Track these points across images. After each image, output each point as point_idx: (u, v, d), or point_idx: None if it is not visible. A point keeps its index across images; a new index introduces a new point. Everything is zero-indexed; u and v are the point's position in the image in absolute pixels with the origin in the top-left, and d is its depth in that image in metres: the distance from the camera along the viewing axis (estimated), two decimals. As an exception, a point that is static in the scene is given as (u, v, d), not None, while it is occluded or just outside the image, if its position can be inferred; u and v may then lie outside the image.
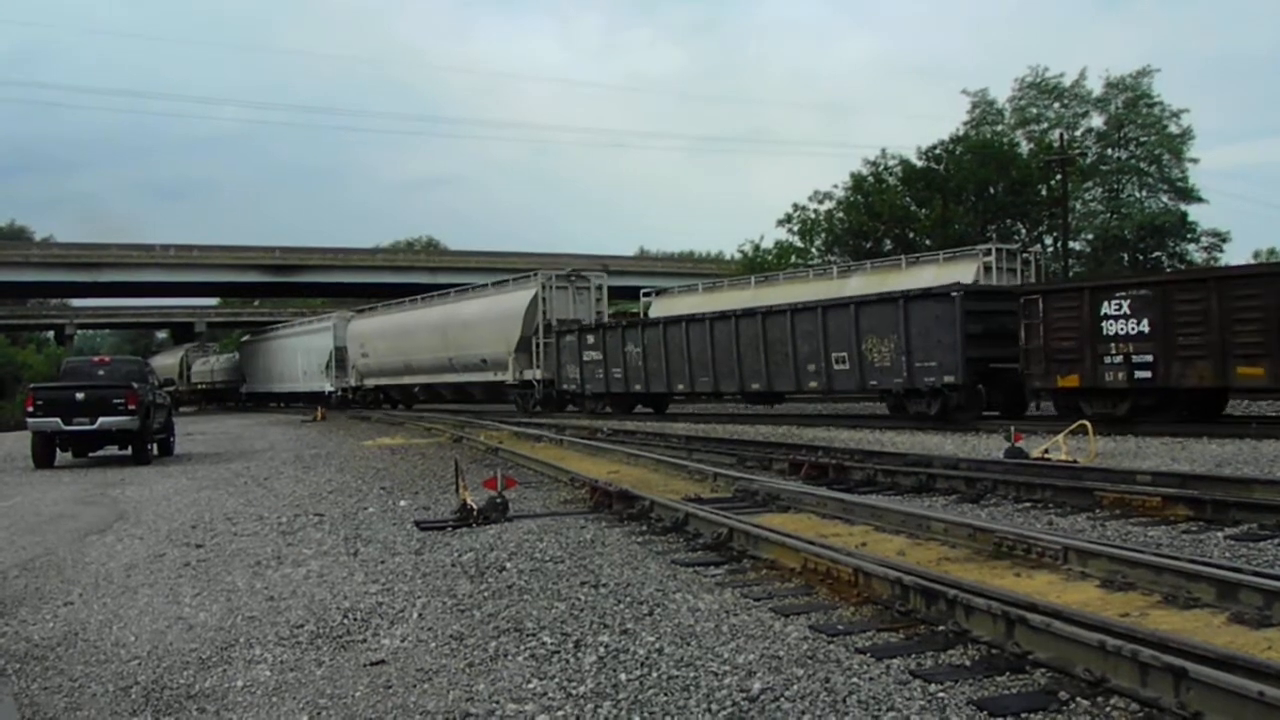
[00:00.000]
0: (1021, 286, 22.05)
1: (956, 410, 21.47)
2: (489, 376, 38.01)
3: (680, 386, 29.80)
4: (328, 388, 50.81)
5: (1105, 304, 18.97)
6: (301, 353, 55.21)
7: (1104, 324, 18.94)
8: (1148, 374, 18.28)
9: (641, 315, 38.08)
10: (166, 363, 74.40)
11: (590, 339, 33.20)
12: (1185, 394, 18.34)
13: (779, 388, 26.55)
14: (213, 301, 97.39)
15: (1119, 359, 18.74)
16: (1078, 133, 49.66)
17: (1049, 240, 47.99)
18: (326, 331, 51.50)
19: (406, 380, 45.05)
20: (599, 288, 37.49)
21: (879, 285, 28.81)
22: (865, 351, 23.08)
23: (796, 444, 17.12)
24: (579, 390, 33.61)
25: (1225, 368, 17.25)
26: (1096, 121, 50.17)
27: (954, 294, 21.35)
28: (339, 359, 49.79)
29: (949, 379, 21.25)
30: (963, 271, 27.55)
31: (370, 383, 47.91)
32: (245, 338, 70.76)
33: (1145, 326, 18.36)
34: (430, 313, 42.83)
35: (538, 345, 35.00)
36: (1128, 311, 18.69)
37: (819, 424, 23.16)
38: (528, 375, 35.47)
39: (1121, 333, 18.70)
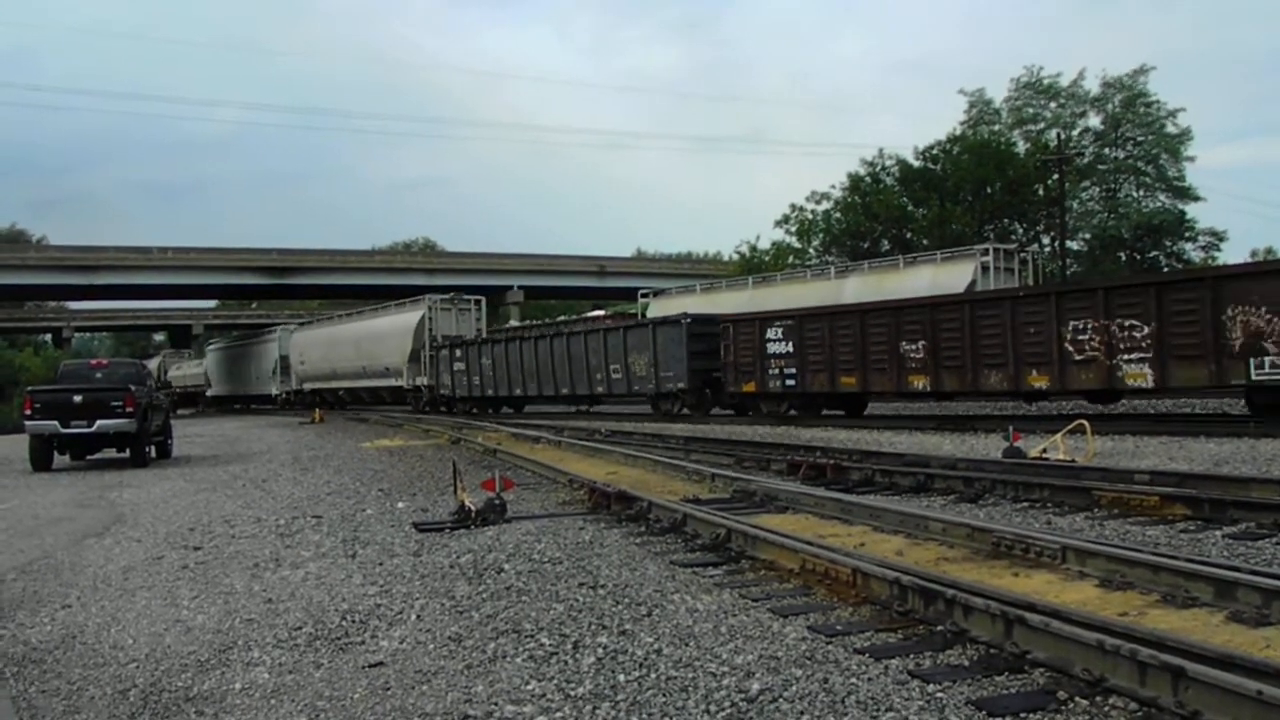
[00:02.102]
0: (722, 316, 28.43)
1: (694, 407, 28.19)
2: (391, 382, 44.53)
3: (517, 391, 36.24)
4: (274, 391, 57.42)
5: (768, 330, 25.52)
6: (254, 360, 61.88)
7: (767, 345, 25.49)
8: (793, 382, 24.96)
9: (639, 316, 38.40)
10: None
11: (459, 352, 39.56)
12: (821, 397, 24.97)
13: (578, 391, 33.17)
14: (210, 304, 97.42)
15: (776, 371, 25.33)
16: (1075, 132, 49.63)
17: (1046, 240, 48.00)
18: (273, 341, 58.24)
19: (334, 385, 51.19)
20: (478, 307, 44.09)
21: (876, 286, 28.92)
22: (630, 364, 30.20)
23: (794, 444, 17.11)
24: (451, 394, 39.82)
25: (834, 378, 23.95)
26: (1094, 121, 50.20)
27: (683, 321, 28.86)
28: (284, 366, 56.12)
29: (680, 385, 28.29)
30: (961, 271, 27.62)
31: (308, 387, 53.82)
32: (210, 346, 76.00)
33: (791, 348, 24.97)
34: (351, 327, 49.64)
35: (425, 357, 41.71)
36: (781, 336, 25.19)
37: (814, 425, 23.24)
38: (418, 382, 42.21)
39: (777, 352, 25.28)
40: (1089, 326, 18.93)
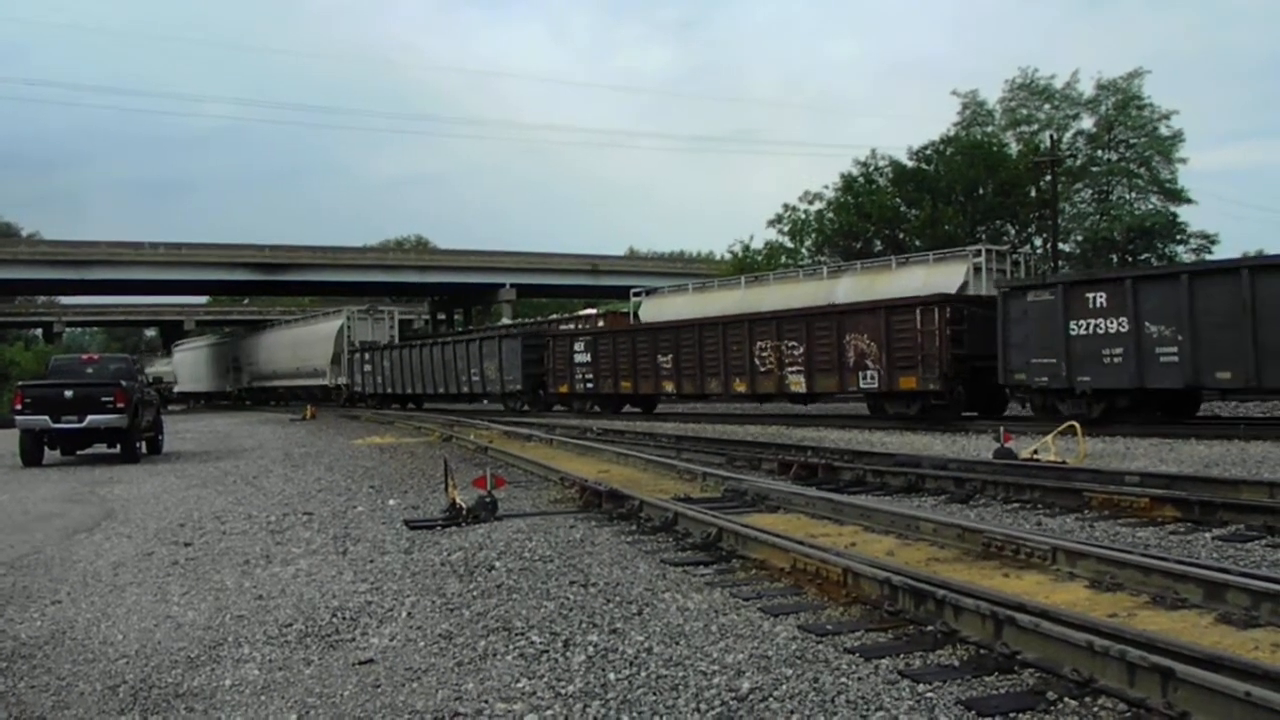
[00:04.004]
0: (549, 331, 37.29)
1: (531, 404, 35.76)
2: (319, 381, 52.46)
3: (408, 389, 43.57)
4: (227, 388, 67.42)
5: (575, 344, 33.31)
6: (212, 360, 71.27)
7: (575, 356, 33.03)
8: (591, 385, 32.49)
9: (631, 315, 38.65)
10: None
11: (368, 356, 47.44)
12: (613, 397, 32.01)
13: (449, 391, 40.35)
14: (202, 300, 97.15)
15: (580, 377, 32.82)
16: (1068, 135, 49.60)
17: (1039, 242, 48.02)
18: (227, 344, 69.49)
19: (275, 383, 59.78)
20: (392, 317, 53.23)
21: (869, 286, 28.92)
22: (485, 369, 37.49)
23: (786, 444, 17.14)
24: (362, 391, 47.39)
25: (616, 383, 31.51)
26: (1087, 123, 50.17)
27: (519, 335, 37.38)
28: (235, 365, 65.76)
29: (518, 386, 35.88)
30: (953, 272, 27.59)
31: (255, 384, 62.96)
32: (176, 347, 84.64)
33: (589, 358, 32.51)
34: (287, 333, 58.95)
35: (344, 360, 49.64)
36: (583, 349, 32.78)
37: (806, 424, 23.30)
38: (339, 381, 50.35)
39: (580, 362, 32.85)
40: (769, 346, 25.68)
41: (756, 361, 25.91)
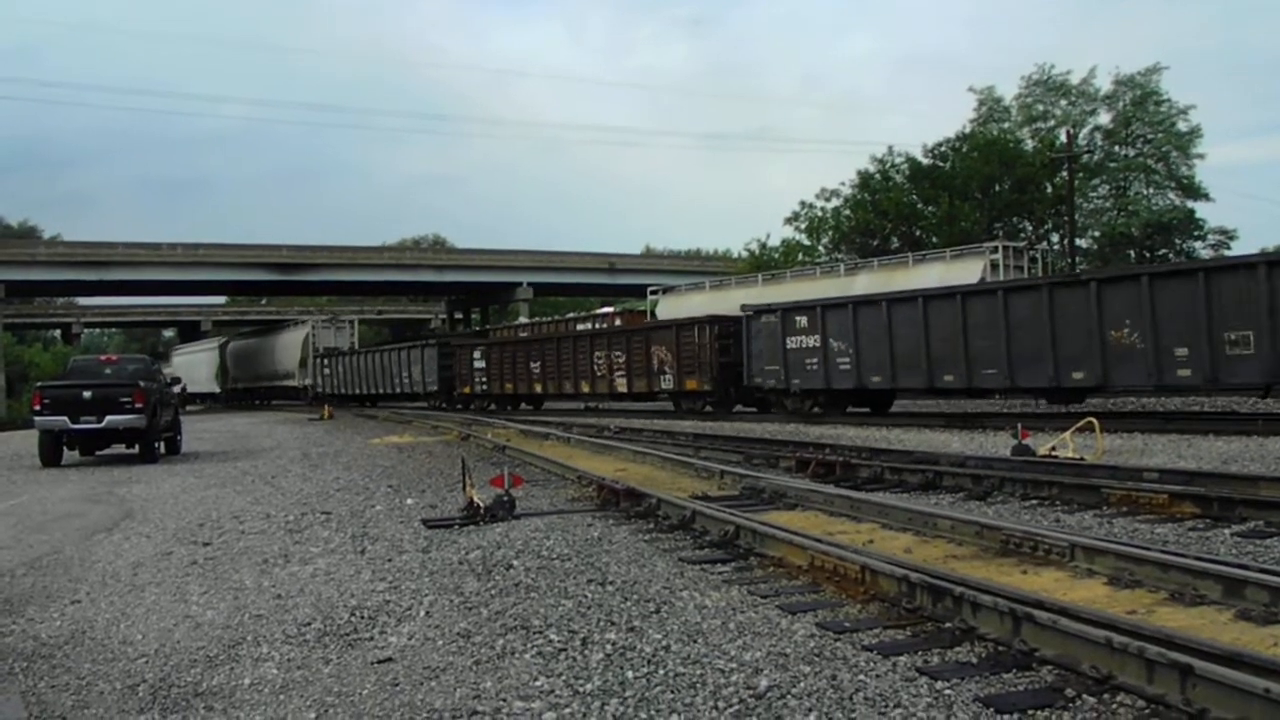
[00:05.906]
0: (456, 341, 44.76)
1: (447, 403, 41.05)
2: (293, 382, 60.39)
3: (356, 390, 50.47)
4: (215, 389, 75.42)
5: (474, 352, 40.00)
6: (199, 364, 79.18)
7: (474, 362, 39.61)
8: (485, 387, 38.89)
9: (649, 313, 38.77)
10: None
11: (326, 361, 55.06)
12: (508, 397, 38.05)
13: (385, 391, 47.11)
14: (220, 300, 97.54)
15: (478, 379, 39.18)
16: (1085, 130, 49.30)
17: (1055, 238, 47.78)
18: (214, 350, 78.25)
19: (256, 384, 68.08)
20: (352, 325, 62.50)
21: (886, 283, 28.88)
22: (412, 373, 43.90)
23: (803, 441, 17.11)
24: (322, 391, 53.55)
25: (502, 384, 37.76)
26: (1104, 119, 49.86)
27: (435, 343, 43.70)
28: (223, 369, 74.79)
29: (434, 387, 42.06)
30: (970, 269, 27.54)
31: (241, 385, 71.66)
32: (175, 352, 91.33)
33: (485, 364, 38.95)
34: (265, 340, 67.05)
35: (310, 364, 57.06)
36: (480, 356, 39.28)
37: (823, 422, 23.28)
38: (305, 382, 57.82)
39: (478, 366, 39.26)
40: (603, 355, 32.24)
41: (595, 368, 32.50)
